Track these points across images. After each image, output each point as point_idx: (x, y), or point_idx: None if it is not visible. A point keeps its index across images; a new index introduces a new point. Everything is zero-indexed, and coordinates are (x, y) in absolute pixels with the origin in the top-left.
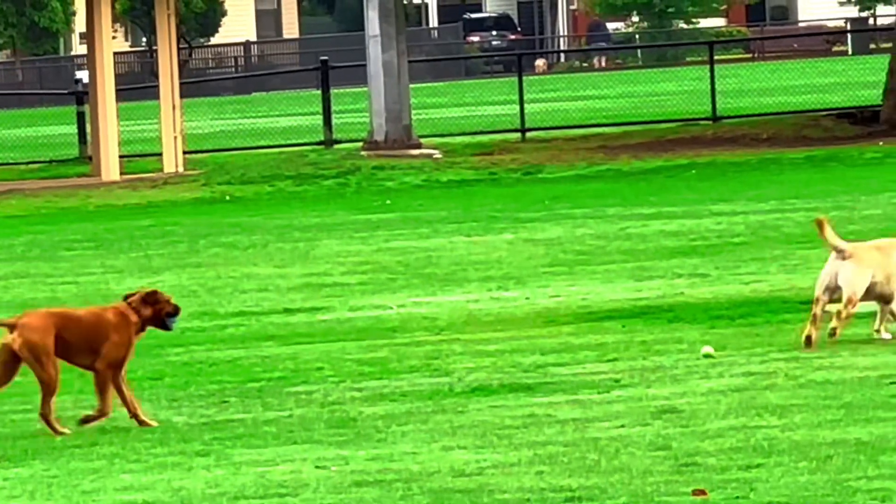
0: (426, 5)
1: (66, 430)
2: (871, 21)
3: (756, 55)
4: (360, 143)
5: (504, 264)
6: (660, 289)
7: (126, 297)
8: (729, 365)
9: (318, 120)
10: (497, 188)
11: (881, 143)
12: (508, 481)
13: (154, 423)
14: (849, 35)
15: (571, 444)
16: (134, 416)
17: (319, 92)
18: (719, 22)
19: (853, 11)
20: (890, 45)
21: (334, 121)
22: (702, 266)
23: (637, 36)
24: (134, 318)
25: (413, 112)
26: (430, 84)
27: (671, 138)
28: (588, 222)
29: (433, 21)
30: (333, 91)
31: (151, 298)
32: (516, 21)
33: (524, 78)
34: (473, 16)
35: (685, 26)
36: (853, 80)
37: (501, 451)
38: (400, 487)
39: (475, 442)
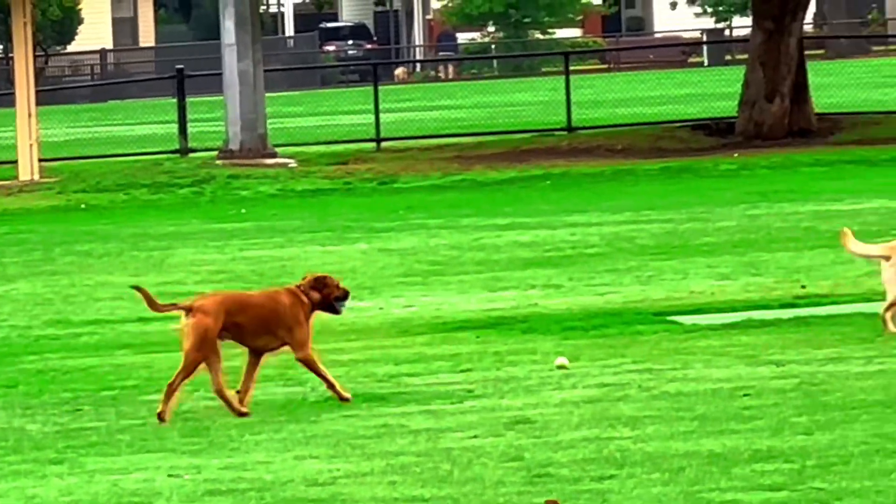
0: (282, 14)
1: (165, 420)
2: (727, 32)
3: (612, 66)
4: (216, 152)
5: (358, 274)
6: (514, 299)
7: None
8: (582, 376)
9: (174, 128)
10: (352, 198)
11: (736, 155)
12: (361, 491)
13: (244, 410)
14: (705, 46)
15: (424, 454)
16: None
17: (175, 100)
18: (575, 32)
19: (709, 23)
20: (745, 56)
21: (190, 129)
22: (556, 277)
23: (493, 46)
24: (305, 300)
25: (268, 121)
26: (285, 93)
27: (526, 149)
28: (442, 233)
29: (289, 30)
30: (189, 100)
31: (320, 283)
32: (372, 30)
33: (380, 87)
34: (329, 25)
35: (541, 37)
36: (709, 92)
37: (354, 461)
38: (253, 496)
39: (328, 451)
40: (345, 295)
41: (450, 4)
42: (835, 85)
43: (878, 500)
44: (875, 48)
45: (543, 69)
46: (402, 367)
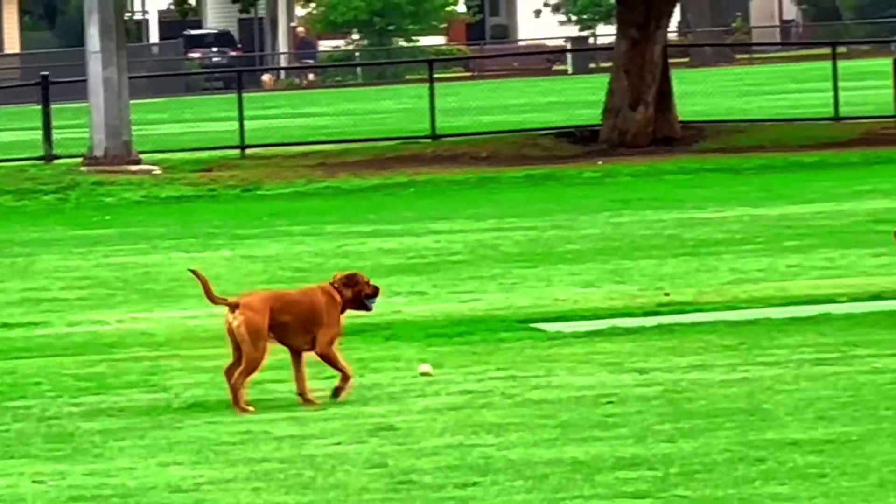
0: (147, 21)
1: (250, 409)
2: (591, 40)
3: (476, 74)
4: (81, 159)
5: (222, 281)
6: (377, 306)
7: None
8: (446, 383)
9: (39, 135)
10: (216, 204)
11: (600, 163)
12: (225, 497)
13: (317, 402)
14: (569, 54)
15: (288, 460)
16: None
17: (40, 107)
18: (439, 40)
19: (573, 31)
20: (610, 64)
21: (55, 136)
22: (419, 284)
23: (357, 54)
24: (338, 297)
25: (133, 128)
26: (150, 100)
27: (390, 156)
28: (306, 239)
29: (154, 37)
30: (54, 106)
31: (352, 281)
32: (237, 38)
33: (244, 95)
34: (194, 32)
35: (405, 44)
36: (573, 100)
37: (218, 468)
38: (116, 503)
39: (192, 458)
40: (375, 292)
41: (314, 12)
42: (699, 93)
43: None
44: (739, 56)
45: (408, 77)
46: (266, 374)
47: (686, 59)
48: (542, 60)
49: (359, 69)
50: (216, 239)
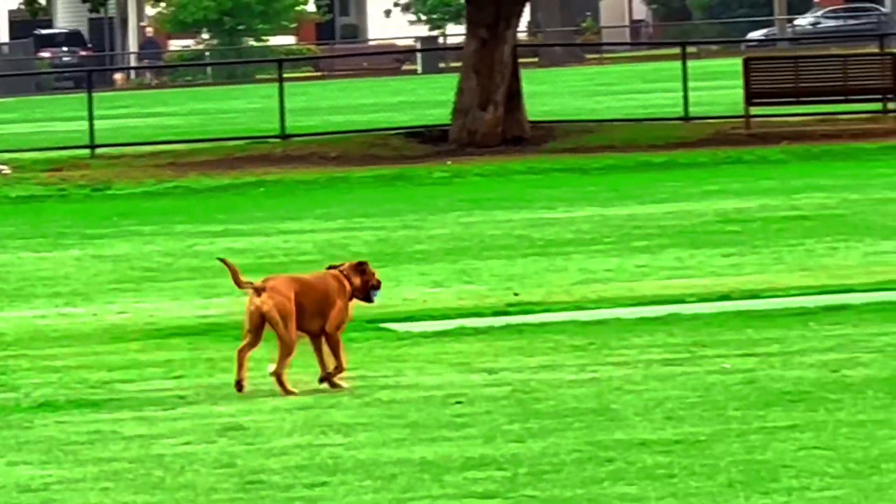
0: None
1: (295, 391)
2: (440, 40)
3: (326, 73)
4: None
5: (71, 280)
6: (227, 306)
7: (331, 267)
8: (295, 383)
9: None
10: (66, 204)
11: (449, 163)
12: (74, 497)
13: (346, 385)
14: (419, 54)
15: (136, 460)
16: (326, 377)
17: None
18: (290, 40)
19: (423, 30)
20: (459, 64)
21: None
22: None
23: (207, 53)
24: (347, 285)
25: None
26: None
27: (240, 156)
28: (156, 239)
29: (4, 36)
30: None
31: (361, 269)
32: (87, 37)
33: (95, 94)
34: (44, 32)
35: (255, 44)
36: (423, 100)
37: (67, 467)
38: None
39: (41, 458)
40: (379, 284)
41: (164, 12)
42: (548, 93)
43: None
44: (589, 56)
45: (257, 76)
46: (114, 374)
47: (536, 59)
48: (392, 60)
49: (209, 69)
50: (66, 238)
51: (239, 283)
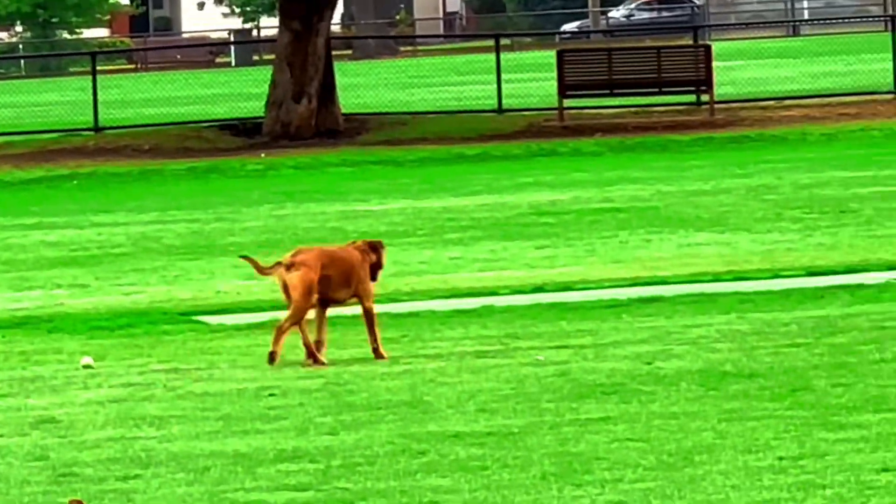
0: None
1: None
2: (254, 33)
3: (140, 66)
4: None
5: None
6: (39, 299)
7: (350, 243)
8: (108, 376)
9: None
10: None
11: (263, 155)
12: None
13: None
14: (232, 47)
15: None
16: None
17: None
18: (103, 32)
19: (237, 23)
20: (273, 56)
21: None
22: (82, 277)
23: (20, 46)
24: (367, 258)
25: None
26: None
27: (53, 149)
28: None
29: None
30: None
31: (374, 246)
32: None
33: None
34: None
35: (69, 37)
36: (236, 92)
37: None
38: None
39: None
40: (382, 266)
41: None
42: (362, 85)
43: (403, 500)
44: (403, 49)
45: (71, 69)
46: None
47: (350, 52)
48: (206, 53)
49: (22, 62)
50: None
51: (262, 272)
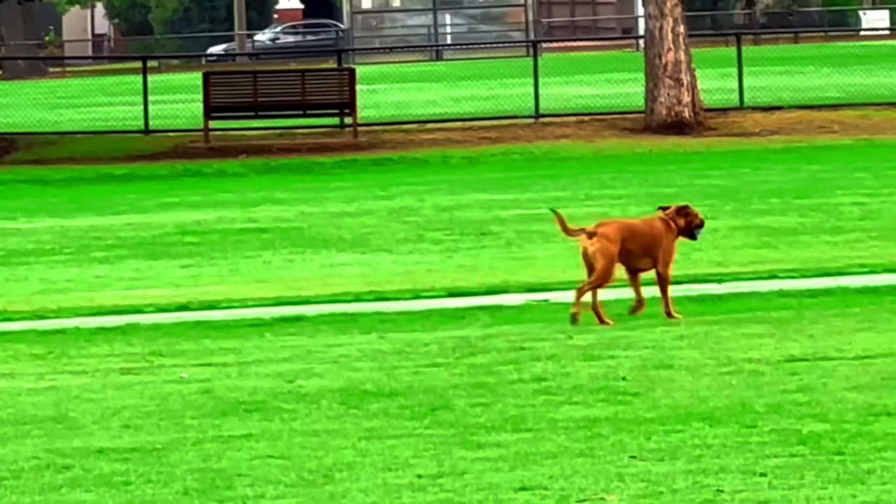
0: None
1: (610, 322)
2: None
3: None
4: None
5: None
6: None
7: (660, 208)
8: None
9: None
10: None
11: None
12: None
13: (679, 317)
14: None
15: None
16: (667, 312)
17: None
18: None
19: None
20: None
21: None
22: None
23: None
24: (673, 226)
25: None
26: None
27: None
28: None
29: None
30: None
31: (684, 211)
32: None
33: None
34: None
35: None
36: None
37: None
38: None
39: None
40: (702, 223)
41: None
42: (11, 105)
43: None
44: (52, 70)
45: None
46: None
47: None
48: None
49: None
50: None
51: (568, 232)
